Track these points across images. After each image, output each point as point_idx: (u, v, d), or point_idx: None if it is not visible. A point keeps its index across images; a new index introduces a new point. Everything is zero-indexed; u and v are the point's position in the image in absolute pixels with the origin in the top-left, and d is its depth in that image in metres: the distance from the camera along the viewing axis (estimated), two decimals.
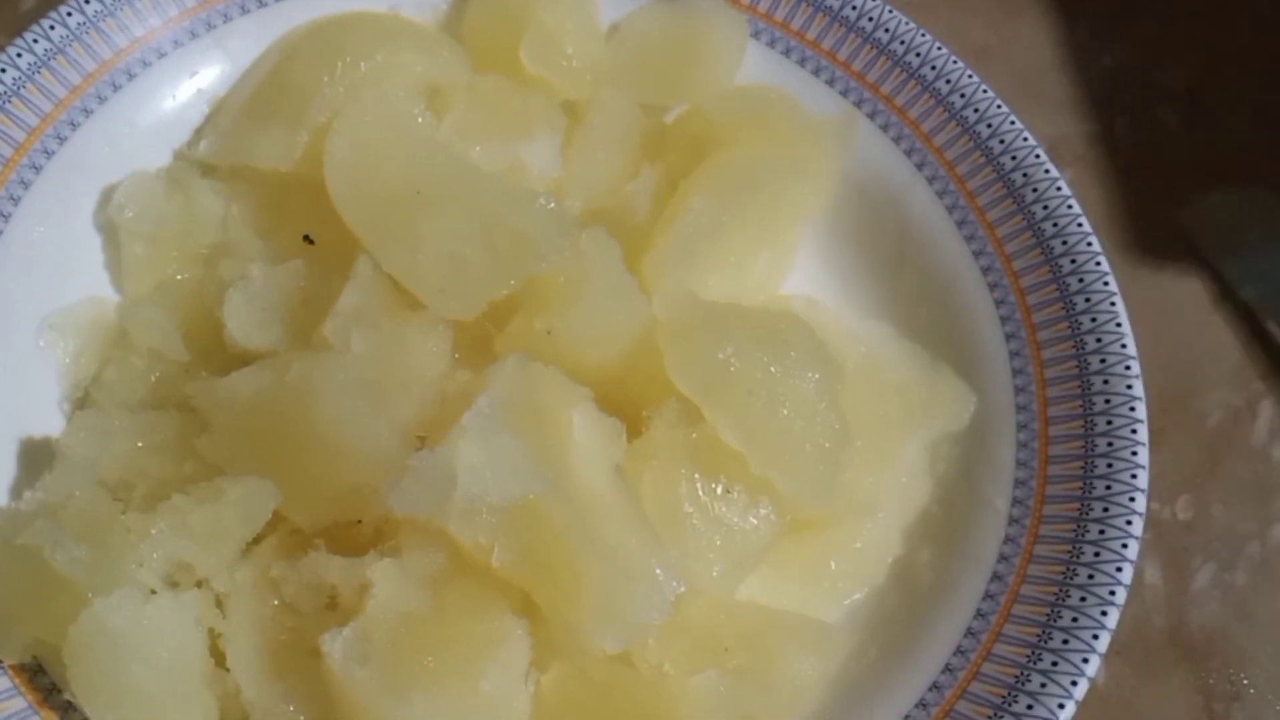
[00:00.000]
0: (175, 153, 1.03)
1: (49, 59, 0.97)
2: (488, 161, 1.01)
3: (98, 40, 1.00)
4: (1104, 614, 0.81)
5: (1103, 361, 0.92)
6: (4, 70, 0.95)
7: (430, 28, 1.09)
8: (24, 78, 0.96)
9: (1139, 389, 0.90)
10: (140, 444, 0.86)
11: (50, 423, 0.92)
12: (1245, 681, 0.98)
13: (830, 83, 1.09)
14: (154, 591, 0.79)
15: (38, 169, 0.95)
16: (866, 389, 0.95)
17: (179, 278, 0.98)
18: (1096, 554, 0.84)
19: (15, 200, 0.94)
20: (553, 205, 0.90)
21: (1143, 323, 0.96)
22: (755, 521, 0.85)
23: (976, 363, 0.97)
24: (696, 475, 0.84)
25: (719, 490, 0.84)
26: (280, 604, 0.82)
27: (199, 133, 1.03)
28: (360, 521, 0.83)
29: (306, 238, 0.97)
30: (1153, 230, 1.21)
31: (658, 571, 0.79)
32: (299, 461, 0.82)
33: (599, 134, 1.04)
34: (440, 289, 0.88)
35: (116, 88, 1.00)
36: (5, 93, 0.95)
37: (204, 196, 0.99)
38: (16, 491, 0.87)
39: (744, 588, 0.88)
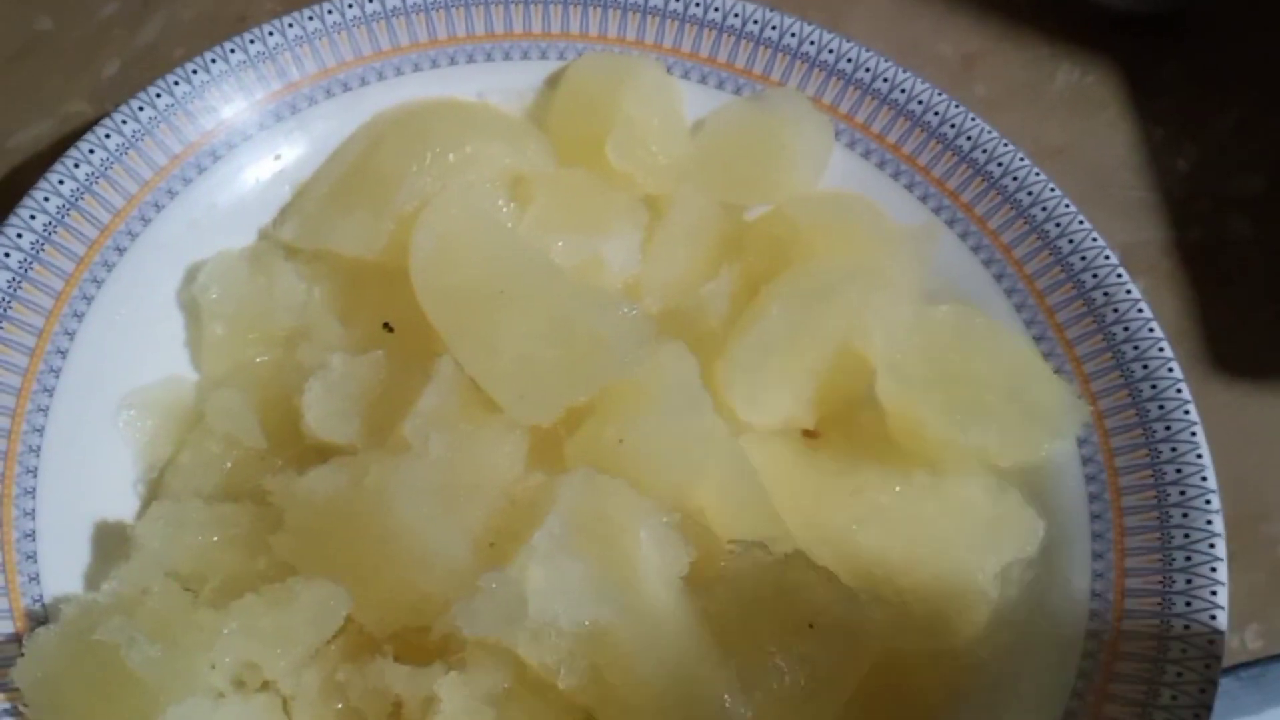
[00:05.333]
0: (260, 233, 1.04)
1: (136, 140, 0.98)
2: (568, 256, 1.01)
3: (184, 122, 1.01)
4: None
5: (1182, 494, 0.90)
6: (93, 152, 0.96)
7: (517, 118, 1.10)
8: (111, 159, 0.97)
9: (1219, 524, 0.89)
10: (215, 537, 0.86)
11: (125, 505, 0.93)
12: None
13: (910, 188, 1.09)
14: (222, 695, 0.79)
15: (121, 250, 0.96)
16: (931, 512, 0.94)
17: (258, 360, 0.99)
18: (1174, 697, 0.82)
19: (99, 282, 0.95)
20: (635, 313, 0.90)
21: (1212, 438, 0.93)
22: (839, 659, 0.83)
23: (1051, 488, 0.96)
24: (779, 612, 0.83)
25: (803, 626, 0.83)
26: (345, 708, 0.82)
27: (284, 215, 1.04)
28: (428, 629, 0.83)
29: (387, 325, 0.97)
30: (1225, 342, 1.20)
31: (725, 697, 0.78)
32: (372, 565, 0.82)
33: (679, 231, 1.04)
34: (518, 395, 0.88)
35: (201, 169, 1.01)
36: (93, 174, 0.96)
37: (286, 279, 1.00)
38: (90, 577, 0.87)
39: None
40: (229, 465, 0.92)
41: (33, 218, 0.93)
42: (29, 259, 0.92)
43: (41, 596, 0.85)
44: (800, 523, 0.92)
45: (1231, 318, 1.22)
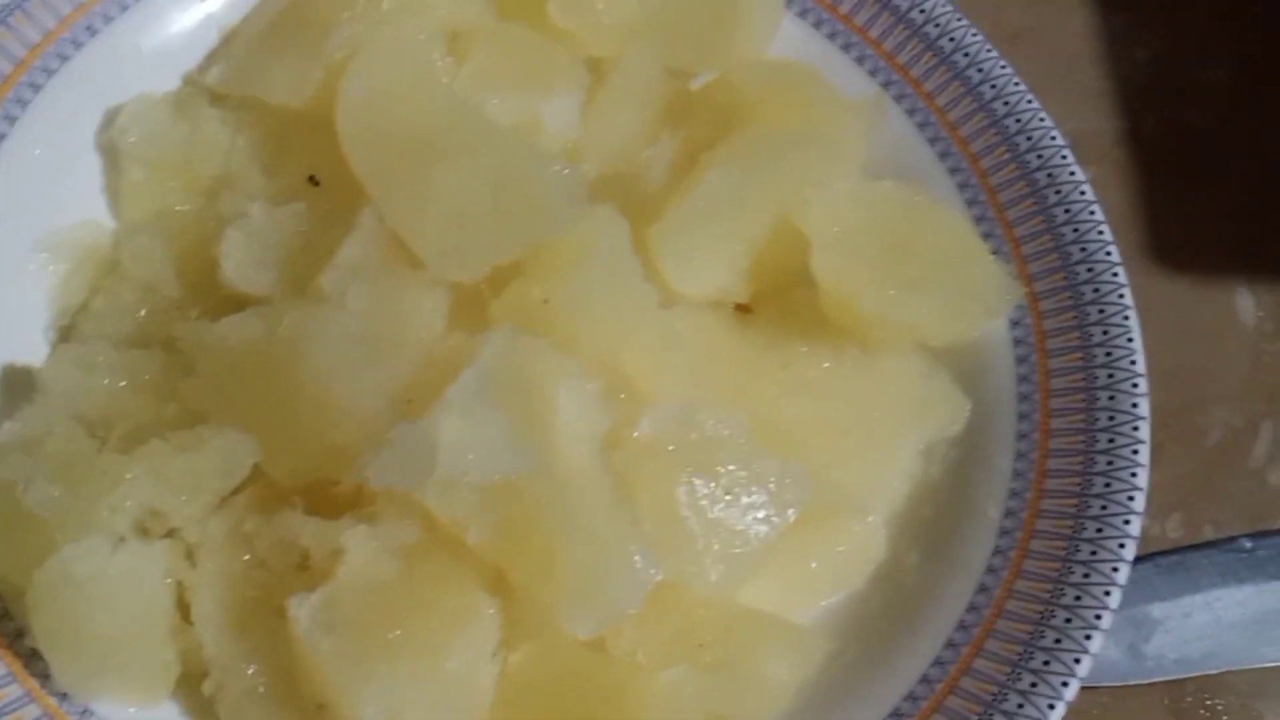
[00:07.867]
0: (184, 78, 1.01)
1: None
2: (505, 114, 0.98)
3: None
4: (1088, 638, 0.80)
5: (1110, 377, 0.90)
6: None
7: None
8: None
9: (1144, 408, 0.88)
10: (123, 382, 0.84)
11: (35, 350, 0.90)
12: (1220, 707, 0.97)
13: (860, 60, 1.07)
14: (123, 539, 0.77)
15: (37, 88, 0.93)
16: (860, 389, 0.94)
17: (178, 208, 0.96)
18: (1086, 575, 0.82)
19: (12, 120, 0.91)
20: (567, 172, 0.88)
21: (1151, 328, 0.93)
22: (756, 524, 0.82)
23: (981, 368, 0.95)
24: (695, 478, 0.82)
25: (718, 492, 0.82)
26: (251, 559, 0.81)
27: (210, 59, 1.01)
28: (339, 483, 0.82)
29: (312, 178, 0.94)
30: (1172, 235, 1.19)
31: (636, 558, 0.77)
32: (283, 415, 0.80)
33: (621, 95, 1.01)
34: (442, 250, 0.85)
35: (124, 8, 0.97)
36: (8, 5, 0.92)
37: (210, 125, 0.97)
38: None
39: None
40: (143, 314, 0.90)
41: None
42: None
43: None
44: (726, 394, 0.91)
45: (1180, 211, 1.21)
